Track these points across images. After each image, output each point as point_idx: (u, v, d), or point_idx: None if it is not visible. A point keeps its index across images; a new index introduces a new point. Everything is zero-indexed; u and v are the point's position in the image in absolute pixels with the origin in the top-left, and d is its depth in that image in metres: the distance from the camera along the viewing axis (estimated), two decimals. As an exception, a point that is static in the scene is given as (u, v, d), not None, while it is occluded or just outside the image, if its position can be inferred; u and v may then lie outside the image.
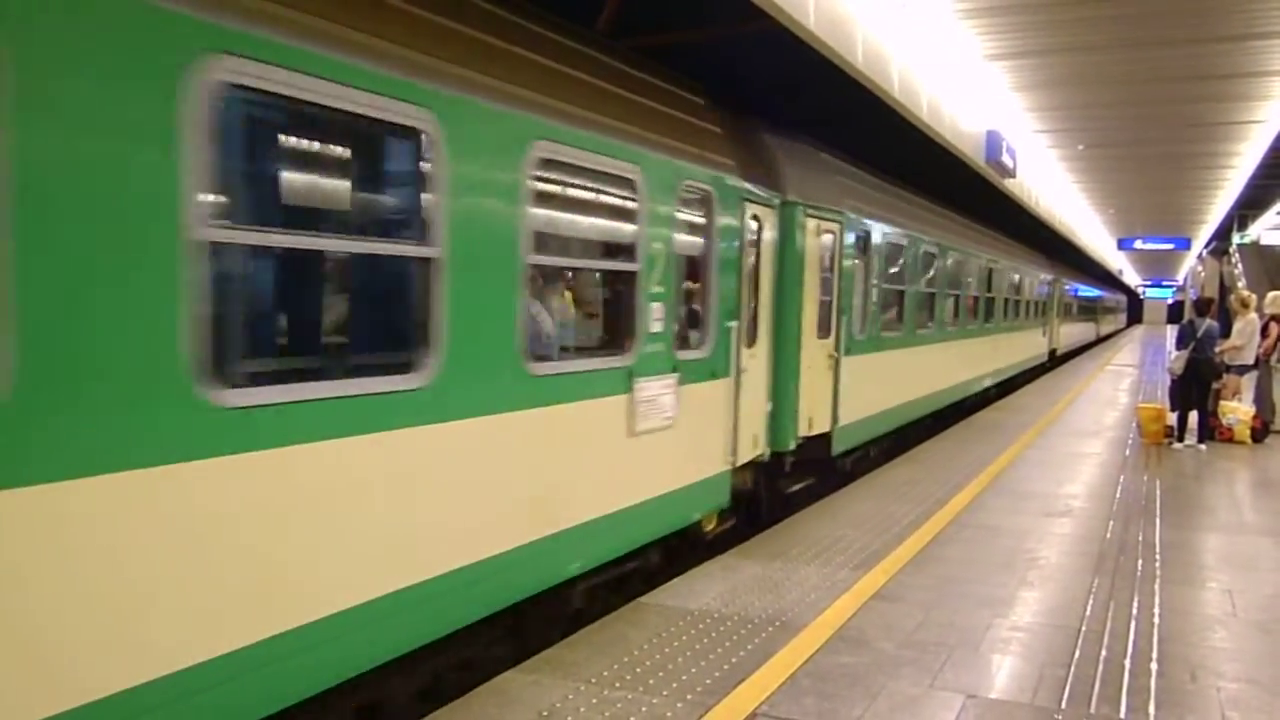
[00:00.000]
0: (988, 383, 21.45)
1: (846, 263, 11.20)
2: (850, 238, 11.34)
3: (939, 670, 5.71)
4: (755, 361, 9.06)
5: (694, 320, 8.01)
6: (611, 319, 7.34)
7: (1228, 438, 15.12)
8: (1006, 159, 18.41)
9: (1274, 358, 15.62)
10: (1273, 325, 15.67)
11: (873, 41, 10.76)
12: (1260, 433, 15.25)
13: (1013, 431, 15.95)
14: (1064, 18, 12.36)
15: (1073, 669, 5.79)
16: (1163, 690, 5.53)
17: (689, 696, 5.25)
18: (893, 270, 13.49)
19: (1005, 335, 22.96)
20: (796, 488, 10.49)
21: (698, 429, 7.88)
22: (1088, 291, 47.38)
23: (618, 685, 5.38)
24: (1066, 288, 36.55)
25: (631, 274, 6.85)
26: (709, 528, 8.52)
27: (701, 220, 7.88)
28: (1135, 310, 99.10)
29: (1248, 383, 16.07)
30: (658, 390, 7.12)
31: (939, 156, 16.77)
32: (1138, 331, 77.44)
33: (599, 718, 4.99)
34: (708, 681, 5.46)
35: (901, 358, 14.07)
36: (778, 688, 5.39)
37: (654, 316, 7.06)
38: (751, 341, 8.99)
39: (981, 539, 8.81)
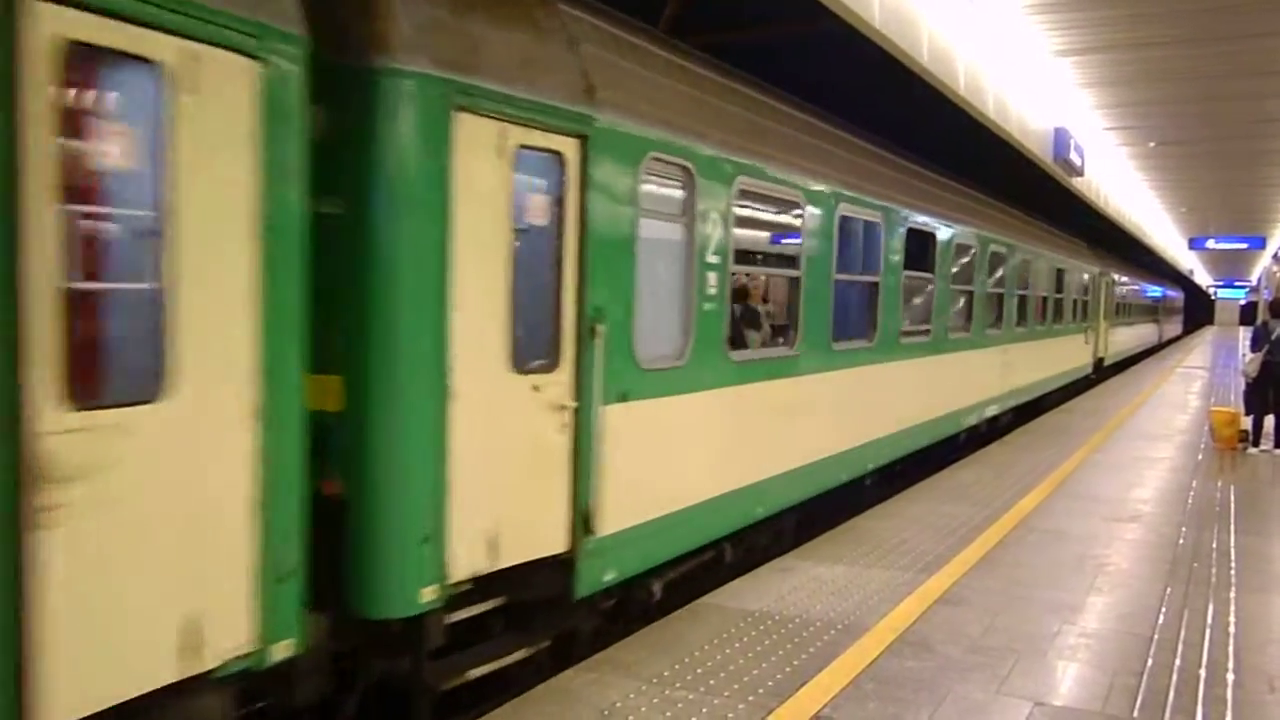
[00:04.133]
0: None
1: None
2: None
3: (1006, 676, 5.61)
4: None
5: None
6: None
7: (1305, 443, 14.69)
8: (1074, 157, 18.08)
9: None
10: None
11: (939, 39, 10.62)
12: (1339, 438, 14.78)
13: (1080, 435, 15.64)
14: (1134, 12, 12.09)
15: (1145, 678, 5.65)
16: (1240, 701, 5.37)
17: (751, 698, 5.22)
18: None
19: None
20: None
21: None
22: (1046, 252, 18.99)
23: (678, 685, 5.37)
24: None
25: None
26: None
27: None
28: (1205, 310, 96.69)
29: None
30: None
31: (1007, 154, 16.54)
32: (1209, 333, 75.60)
33: (660, 717, 4.98)
34: (770, 683, 5.42)
35: None
36: (841, 691, 5.34)
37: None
38: None
39: (1048, 543, 8.65)
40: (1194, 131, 20.30)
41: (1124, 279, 33.25)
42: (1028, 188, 19.73)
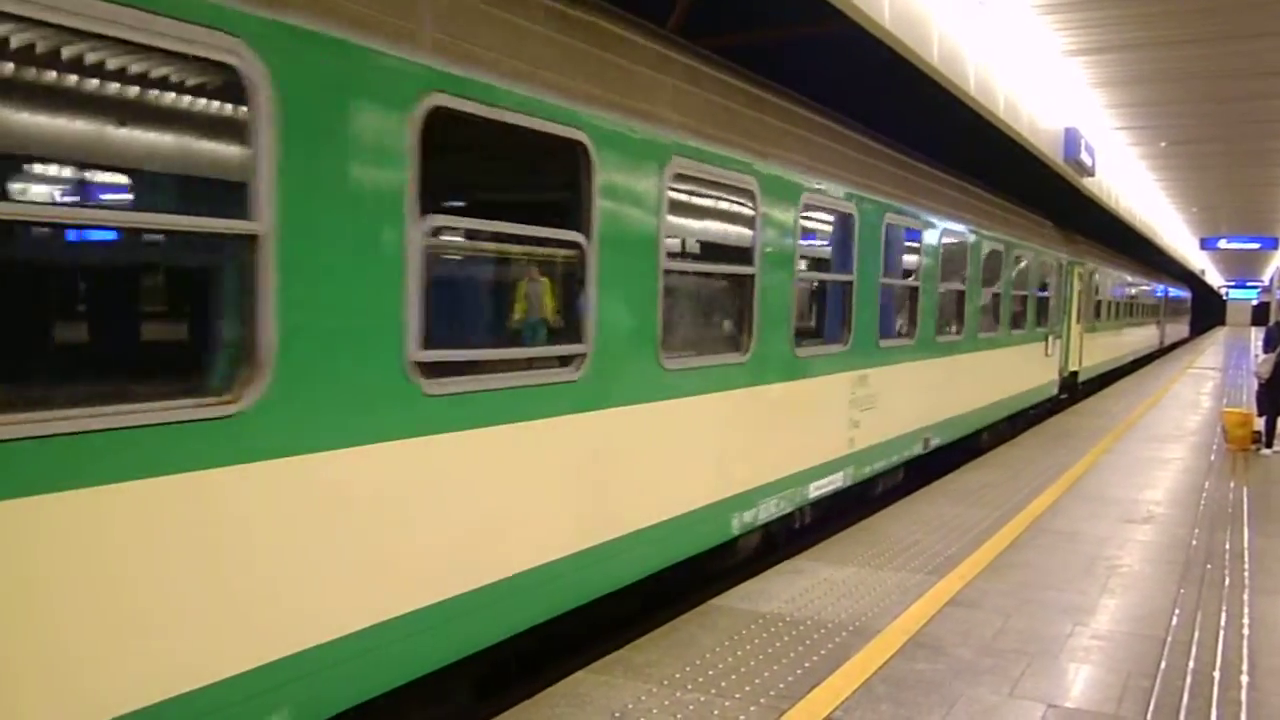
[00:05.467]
0: None
1: None
2: None
3: (1019, 678, 5.59)
4: None
5: None
6: None
7: (1319, 444, 14.61)
8: (1085, 157, 18.01)
9: None
10: None
11: (949, 39, 10.59)
12: (1353, 439, 14.69)
13: (1091, 436, 15.58)
14: (1146, 11, 12.05)
15: (1159, 680, 5.63)
16: (1255, 703, 5.34)
17: (762, 700, 5.21)
18: None
19: None
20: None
21: None
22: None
23: (690, 687, 5.36)
24: None
25: None
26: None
27: None
28: (1216, 310, 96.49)
29: None
30: None
31: (1017, 154, 16.49)
32: (1220, 334, 75.28)
33: None
34: (781, 685, 5.41)
35: None
36: (852, 693, 5.32)
37: None
38: None
39: (1060, 545, 8.61)
40: (1205, 131, 20.22)
41: (1110, 270, 26.37)
42: (1038, 188, 19.69)
